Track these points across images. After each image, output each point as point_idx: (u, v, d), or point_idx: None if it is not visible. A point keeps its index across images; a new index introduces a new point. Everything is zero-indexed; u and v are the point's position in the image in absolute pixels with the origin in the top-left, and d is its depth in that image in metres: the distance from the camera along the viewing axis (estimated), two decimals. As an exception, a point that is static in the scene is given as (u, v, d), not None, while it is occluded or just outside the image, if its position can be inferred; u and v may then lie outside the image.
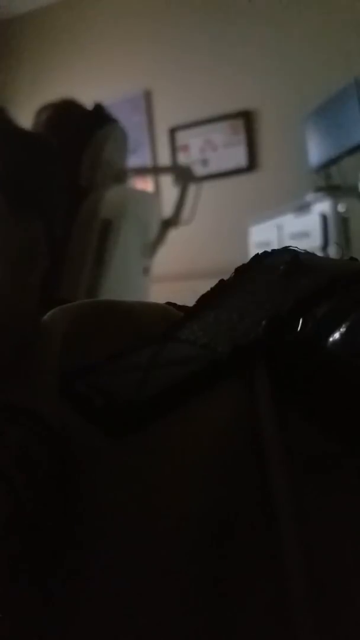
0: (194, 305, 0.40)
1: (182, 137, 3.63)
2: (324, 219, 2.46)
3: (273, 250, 0.40)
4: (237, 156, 3.48)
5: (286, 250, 0.39)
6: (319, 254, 0.43)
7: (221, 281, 0.40)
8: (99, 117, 1.67)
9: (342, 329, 0.30)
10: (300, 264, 0.37)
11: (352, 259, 0.38)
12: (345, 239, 2.40)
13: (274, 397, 0.31)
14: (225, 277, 0.40)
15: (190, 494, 0.29)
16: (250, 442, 0.30)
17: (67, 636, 0.29)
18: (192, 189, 2.14)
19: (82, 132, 1.60)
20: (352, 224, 2.42)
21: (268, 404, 0.30)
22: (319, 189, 2.73)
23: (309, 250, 0.38)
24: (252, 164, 3.46)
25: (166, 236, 2.01)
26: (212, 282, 0.40)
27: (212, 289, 0.40)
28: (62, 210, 0.45)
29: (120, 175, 1.77)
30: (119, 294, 1.72)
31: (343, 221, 2.42)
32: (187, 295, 0.52)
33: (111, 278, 1.68)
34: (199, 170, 2.90)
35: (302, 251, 0.38)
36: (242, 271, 0.40)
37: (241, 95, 3.39)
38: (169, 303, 0.45)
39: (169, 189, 2.69)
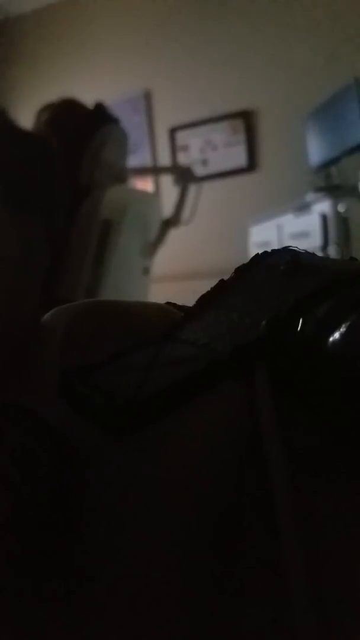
0: (194, 306, 0.40)
1: (182, 137, 3.63)
2: (324, 219, 2.46)
3: (273, 250, 0.40)
4: (237, 156, 3.48)
5: (286, 250, 0.39)
6: (319, 254, 0.43)
7: (221, 281, 0.40)
8: (100, 117, 1.67)
9: (342, 329, 0.30)
10: (300, 264, 0.37)
11: (352, 259, 0.38)
12: (345, 239, 2.40)
13: (274, 397, 0.31)
14: (225, 277, 0.40)
15: (190, 494, 0.29)
16: (250, 442, 0.30)
17: (68, 636, 0.29)
18: (192, 189, 2.14)
19: (82, 132, 1.60)
20: (352, 224, 2.42)
21: (268, 404, 0.30)
22: (319, 189, 2.73)
23: (309, 250, 0.38)
24: (252, 164, 3.46)
25: (166, 236, 2.01)
26: (212, 282, 0.40)
27: (212, 289, 0.40)
28: (62, 210, 0.45)
29: (120, 175, 1.77)
30: (119, 294, 1.72)
31: (343, 221, 2.42)
32: (187, 295, 0.52)
33: (111, 278, 1.68)
34: (199, 170, 2.90)
35: (302, 251, 0.38)
36: (242, 271, 0.40)
37: (241, 95, 3.39)
38: (169, 303, 0.45)
39: (169, 189, 2.69)
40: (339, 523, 0.29)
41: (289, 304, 0.33)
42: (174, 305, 0.44)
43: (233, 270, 0.40)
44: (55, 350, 0.38)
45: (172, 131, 3.65)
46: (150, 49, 3.60)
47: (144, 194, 2.58)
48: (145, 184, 3.41)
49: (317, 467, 0.30)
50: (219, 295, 0.39)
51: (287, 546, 0.27)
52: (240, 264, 0.40)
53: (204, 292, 0.40)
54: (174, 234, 2.07)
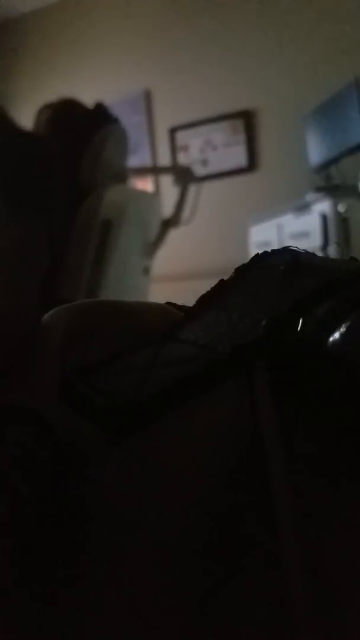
0: (194, 305, 0.40)
1: (182, 137, 3.63)
2: (324, 219, 2.46)
3: (273, 250, 0.40)
4: (237, 156, 3.48)
5: (286, 250, 0.39)
6: (319, 254, 0.43)
7: (221, 281, 0.40)
8: (100, 116, 1.67)
9: (342, 329, 0.30)
10: (300, 264, 0.37)
11: (352, 259, 0.38)
12: (345, 239, 2.40)
13: (274, 397, 0.31)
14: (225, 277, 0.40)
15: (190, 494, 0.29)
16: (250, 443, 0.30)
17: (68, 636, 0.29)
18: (192, 189, 2.14)
19: (82, 132, 1.60)
20: (352, 224, 2.42)
21: (268, 404, 0.30)
22: (319, 189, 2.73)
23: (309, 250, 0.38)
24: (252, 164, 3.46)
25: (166, 236, 2.02)
26: (212, 282, 0.40)
27: (212, 289, 0.40)
28: (61, 210, 0.45)
29: (120, 175, 1.77)
30: (119, 294, 1.72)
31: (343, 221, 2.42)
32: (187, 295, 0.52)
33: (111, 278, 1.68)
34: (199, 170, 2.90)
35: (302, 251, 0.38)
36: (242, 271, 0.40)
37: (241, 95, 3.39)
38: (169, 303, 0.45)
39: (169, 189, 2.69)
40: (339, 524, 0.29)
41: (289, 304, 0.33)
42: (174, 305, 0.44)
43: (233, 270, 0.40)
44: (55, 350, 0.38)
45: (172, 131, 3.65)
46: (150, 49, 3.60)
47: (144, 194, 2.58)
48: (145, 184, 3.41)
49: (318, 467, 0.30)
50: (219, 295, 0.39)
51: (287, 546, 0.27)
52: (240, 264, 0.40)
53: (204, 292, 0.40)
54: (174, 234, 2.07)
